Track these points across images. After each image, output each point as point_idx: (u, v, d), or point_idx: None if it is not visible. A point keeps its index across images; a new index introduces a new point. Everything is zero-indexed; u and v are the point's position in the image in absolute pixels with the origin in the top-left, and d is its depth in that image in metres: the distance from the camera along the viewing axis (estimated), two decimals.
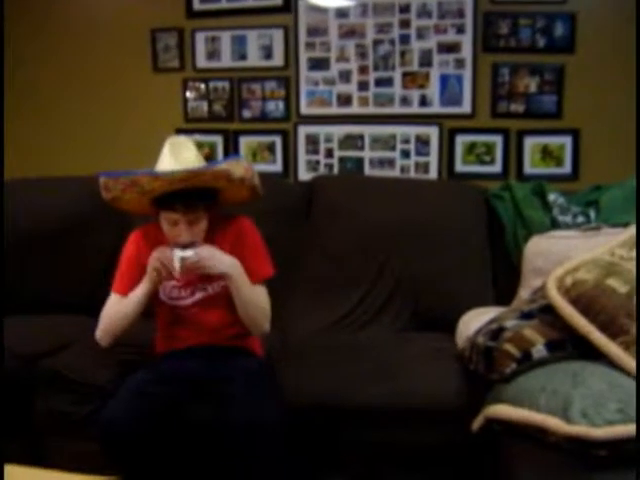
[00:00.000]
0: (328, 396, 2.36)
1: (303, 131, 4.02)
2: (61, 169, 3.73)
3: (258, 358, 2.47)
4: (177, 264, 2.18)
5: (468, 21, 3.76)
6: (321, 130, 4.00)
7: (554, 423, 1.82)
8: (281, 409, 2.21)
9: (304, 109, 4.01)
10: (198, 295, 2.41)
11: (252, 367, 2.36)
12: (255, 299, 2.35)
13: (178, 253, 2.19)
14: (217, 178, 2.27)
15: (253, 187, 2.40)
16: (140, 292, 2.31)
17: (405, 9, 3.80)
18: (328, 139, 3.99)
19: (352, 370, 2.46)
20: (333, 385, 2.40)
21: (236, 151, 4.09)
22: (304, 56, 3.96)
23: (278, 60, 4.01)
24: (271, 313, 2.41)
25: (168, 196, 2.24)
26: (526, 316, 2.26)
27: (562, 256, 2.49)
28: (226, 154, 4.11)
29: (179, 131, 4.11)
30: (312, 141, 4.02)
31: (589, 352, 2.06)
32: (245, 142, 4.10)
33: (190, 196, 2.24)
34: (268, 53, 4.01)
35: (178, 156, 2.27)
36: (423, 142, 3.88)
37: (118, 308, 2.35)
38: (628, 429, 1.74)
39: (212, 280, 2.37)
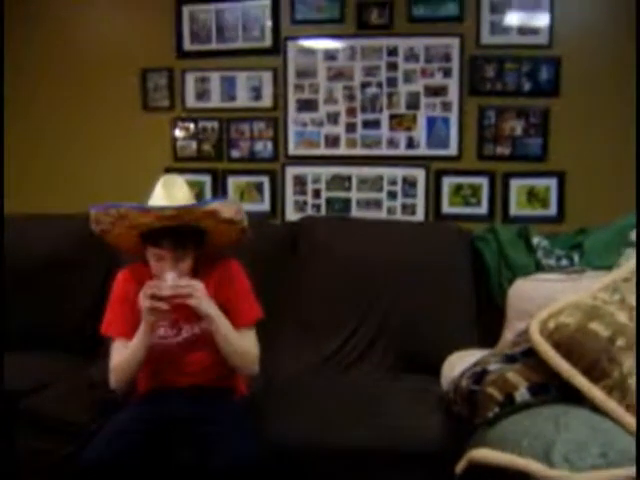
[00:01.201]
0: (311, 437, 2.35)
1: (291, 172, 4.05)
2: (49, 206, 3.74)
3: (242, 398, 2.46)
4: (169, 278, 2.18)
5: (455, 65, 3.81)
6: (309, 171, 4.02)
7: (536, 467, 1.82)
8: (262, 451, 2.20)
9: (292, 150, 4.04)
10: (184, 334, 2.41)
11: (235, 408, 2.36)
12: (240, 344, 2.34)
13: (170, 274, 2.20)
14: (205, 217, 2.28)
15: (242, 229, 2.41)
16: (140, 337, 2.29)
17: (393, 52, 3.85)
18: (316, 180, 4.01)
19: (335, 411, 2.45)
20: (316, 426, 2.39)
21: (224, 191, 4.11)
22: (293, 97, 4.00)
23: (267, 101, 4.04)
24: (259, 355, 2.41)
25: (156, 232, 2.25)
26: (509, 359, 2.26)
27: (546, 299, 2.49)
28: (214, 194, 4.12)
29: (168, 170, 4.12)
30: (300, 182, 4.04)
31: (572, 396, 2.06)
32: (233, 182, 4.12)
33: (178, 233, 2.26)
34: (257, 94, 4.04)
35: (170, 194, 2.30)
36: (410, 184, 3.91)
37: (125, 358, 2.33)
38: (610, 474, 1.74)
39: (199, 319, 2.37)
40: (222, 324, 2.28)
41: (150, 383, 2.50)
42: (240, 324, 2.37)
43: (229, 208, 2.31)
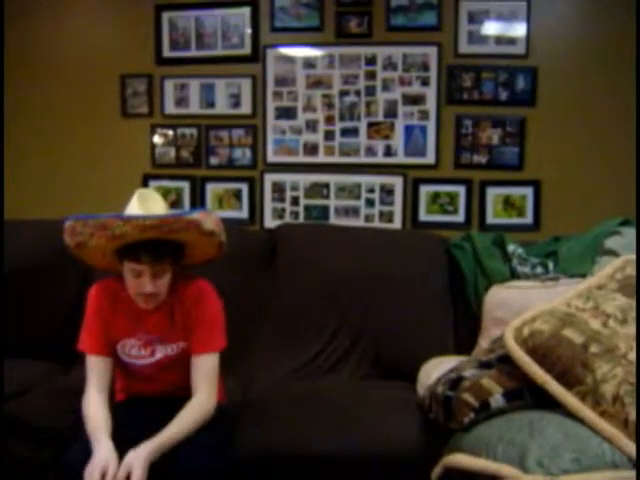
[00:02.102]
0: (286, 445, 2.35)
1: (269, 179, 4.06)
2: (26, 213, 3.72)
3: (219, 405, 2.44)
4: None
5: (432, 74, 3.84)
6: (287, 178, 4.04)
7: (510, 472, 1.83)
8: (229, 457, 2.21)
9: (271, 157, 4.05)
10: (158, 356, 2.38)
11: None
12: (193, 421, 2.22)
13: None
14: (188, 228, 2.23)
15: (220, 243, 2.39)
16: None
17: (371, 61, 3.88)
18: (294, 187, 4.03)
19: (311, 419, 2.45)
20: (291, 434, 2.39)
21: (202, 197, 4.11)
22: (272, 105, 4.02)
23: (246, 108, 4.05)
24: (216, 381, 2.35)
25: (134, 246, 2.20)
26: (485, 365, 2.29)
27: (521, 306, 2.52)
28: (193, 200, 4.12)
29: (147, 176, 4.12)
30: (278, 189, 4.05)
31: (546, 401, 2.08)
32: (212, 189, 4.12)
33: (157, 247, 2.21)
34: (236, 101, 4.06)
35: (147, 207, 2.24)
36: (387, 191, 3.93)
37: (88, 420, 2.22)
38: (583, 478, 1.76)
39: (173, 340, 2.36)
40: (171, 437, 2.15)
41: (125, 394, 2.50)
42: (200, 351, 2.32)
43: (211, 219, 2.28)
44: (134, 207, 2.26)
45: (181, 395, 2.31)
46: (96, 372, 2.33)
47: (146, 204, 2.26)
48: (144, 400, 2.43)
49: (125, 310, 2.33)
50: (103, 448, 2.06)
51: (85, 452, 2.11)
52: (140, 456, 2.03)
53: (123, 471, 1.99)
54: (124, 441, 2.12)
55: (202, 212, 2.28)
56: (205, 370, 2.32)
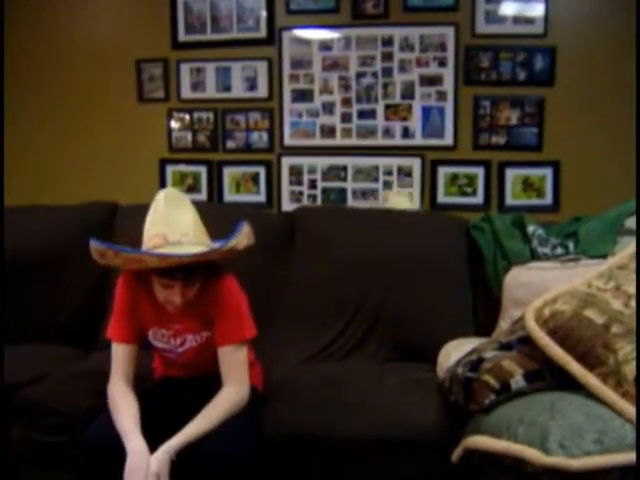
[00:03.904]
0: (307, 427, 2.36)
1: (287, 162, 4.05)
2: (44, 198, 3.72)
3: (253, 392, 2.42)
4: None
5: (450, 54, 3.81)
6: (304, 161, 4.03)
7: (532, 454, 1.83)
8: (254, 444, 2.21)
9: (288, 140, 4.05)
10: (188, 344, 2.37)
11: None
12: (222, 413, 2.20)
13: None
14: (223, 253, 2.24)
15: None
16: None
17: (388, 42, 3.86)
18: (311, 170, 4.02)
19: (332, 401, 2.45)
20: (312, 417, 2.39)
21: (220, 181, 4.11)
22: (288, 88, 4.01)
23: (262, 92, 4.04)
24: (244, 371, 2.32)
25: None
26: (505, 347, 2.27)
27: (541, 287, 2.50)
28: (210, 184, 4.12)
29: (163, 161, 4.12)
30: (296, 172, 4.05)
31: (567, 382, 2.07)
32: (229, 172, 4.12)
33: (190, 267, 2.18)
34: (252, 85, 4.05)
35: (175, 217, 2.19)
36: (405, 174, 3.92)
37: (113, 411, 2.22)
38: (605, 459, 1.75)
39: (203, 329, 2.34)
40: (198, 433, 2.13)
41: (160, 373, 2.52)
42: (221, 343, 2.31)
43: (245, 236, 2.28)
44: (161, 215, 2.21)
45: (217, 377, 2.32)
46: (123, 360, 2.33)
47: (174, 213, 2.20)
48: (178, 382, 2.45)
49: (154, 300, 2.30)
50: (137, 448, 2.06)
51: (101, 433, 2.13)
52: (165, 459, 2.04)
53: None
54: (157, 427, 2.14)
55: (238, 235, 2.27)
56: (229, 362, 2.31)
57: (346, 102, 3.96)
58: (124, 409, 2.20)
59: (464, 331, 2.93)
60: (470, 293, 3.12)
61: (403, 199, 3.76)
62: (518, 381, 2.14)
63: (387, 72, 3.89)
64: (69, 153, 4.26)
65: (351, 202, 4.00)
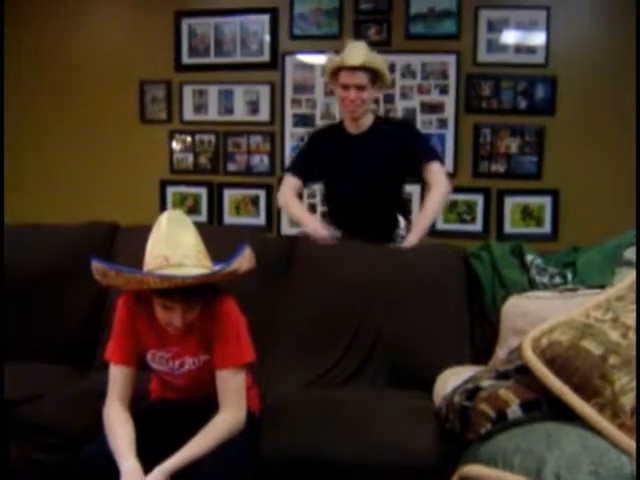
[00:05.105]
0: (304, 452, 2.35)
1: None
2: (45, 217, 3.74)
3: (250, 415, 2.41)
4: None
5: (451, 82, 3.85)
6: None
7: None
8: (252, 467, 2.21)
9: (288, 164, 4.04)
10: (187, 367, 2.37)
11: None
12: (219, 436, 2.21)
13: None
14: (224, 276, 2.25)
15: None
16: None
17: (390, 69, 3.86)
18: (311, 195, 4.03)
19: (328, 426, 2.45)
20: (310, 441, 2.38)
21: (220, 204, 4.12)
22: (290, 112, 4.03)
23: (264, 115, 4.07)
24: (241, 394, 2.32)
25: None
26: (502, 376, 2.27)
27: (539, 316, 2.50)
28: (210, 206, 4.13)
29: (164, 182, 4.14)
30: None
31: (564, 413, 2.07)
32: (229, 195, 4.14)
33: (191, 289, 2.18)
34: (254, 108, 4.07)
35: (176, 238, 2.19)
36: (405, 200, 3.91)
37: (107, 431, 2.23)
38: None
39: (195, 353, 2.33)
40: (193, 456, 2.14)
41: (157, 394, 2.51)
42: (220, 366, 2.30)
43: (246, 259, 2.29)
44: (163, 235, 2.20)
45: (213, 400, 2.32)
46: (120, 382, 2.32)
47: (176, 234, 2.20)
48: (175, 404, 2.44)
49: (154, 322, 2.31)
50: (130, 469, 2.07)
51: (99, 454, 2.13)
52: None
53: None
54: (151, 449, 2.13)
55: (240, 258, 2.27)
56: (227, 386, 2.30)
57: None
58: (119, 430, 2.20)
59: (461, 359, 2.93)
60: (468, 321, 3.11)
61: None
62: (515, 410, 2.14)
63: (389, 99, 3.91)
64: (71, 173, 4.27)
65: None
